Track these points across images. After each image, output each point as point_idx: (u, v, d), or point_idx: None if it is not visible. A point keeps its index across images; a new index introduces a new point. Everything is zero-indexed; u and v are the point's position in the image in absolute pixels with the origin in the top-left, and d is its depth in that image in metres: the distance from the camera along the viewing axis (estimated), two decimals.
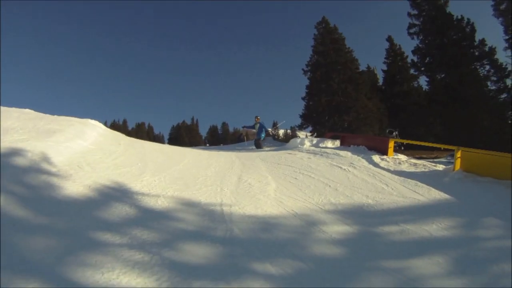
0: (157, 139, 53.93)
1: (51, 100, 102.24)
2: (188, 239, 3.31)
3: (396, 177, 6.61)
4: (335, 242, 3.72)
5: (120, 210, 3.75)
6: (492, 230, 4.19)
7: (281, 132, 43.41)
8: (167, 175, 5.74)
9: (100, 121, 9.08)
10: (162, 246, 3.04)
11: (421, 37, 24.21)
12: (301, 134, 30.87)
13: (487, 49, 20.89)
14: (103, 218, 3.49)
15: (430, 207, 5.09)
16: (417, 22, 24.44)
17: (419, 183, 6.10)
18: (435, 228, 4.18)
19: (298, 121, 27.73)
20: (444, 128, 21.16)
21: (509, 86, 19.66)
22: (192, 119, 68.12)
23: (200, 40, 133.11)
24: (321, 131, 23.70)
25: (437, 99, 21.84)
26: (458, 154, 7.46)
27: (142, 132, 58.41)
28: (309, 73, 27.15)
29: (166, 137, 64.62)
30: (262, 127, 15.18)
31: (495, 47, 20.69)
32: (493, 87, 20.42)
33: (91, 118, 8.65)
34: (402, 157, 8.86)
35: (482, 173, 6.81)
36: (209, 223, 3.84)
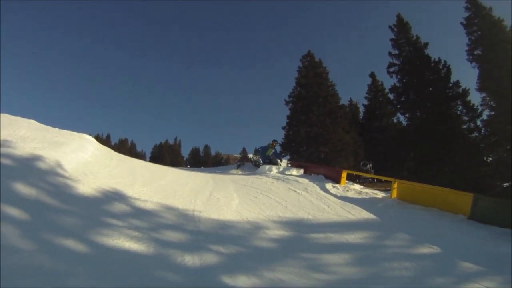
0: (139, 156, 53.60)
1: (37, 109, 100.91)
2: (168, 228, 4.79)
3: (339, 201, 8.14)
4: (272, 240, 5.22)
5: (120, 207, 5.22)
6: (398, 241, 5.67)
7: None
8: (152, 187, 7.17)
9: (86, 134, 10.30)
10: (150, 230, 4.52)
11: (399, 76, 24.91)
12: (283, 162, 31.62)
13: (460, 90, 21.92)
14: (109, 210, 4.95)
15: (356, 223, 6.59)
16: (397, 62, 25.14)
17: (356, 206, 7.63)
18: (352, 237, 5.66)
19: (278, 149, 28.44)
20: (416, 163, 22.18)
21: (480, 126, 20.65)
22: (175, 139, 67.93)
23: (189, 61, 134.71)
24: (298, 160, 24.57)
25: (411, 136, 22.72)
26: (395, 185, 9.05)
27: (125, 148, 58.31)
28: (291, 104, 28.11)
29: (148, 155, 64.87)
30: (275, 154, 16.09)
31: (468, 89, 21.70)
32: (465, 127, 21.31)
33: (75, 130, 9.83)
34: (355, 186, 10.40)
35: (413, 201, 8.35)
36: (183, 221, 5.34)
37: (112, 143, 58.97)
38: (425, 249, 5.23)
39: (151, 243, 4.05)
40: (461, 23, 21.92)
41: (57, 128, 9.52)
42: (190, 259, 3.85)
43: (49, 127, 9.39)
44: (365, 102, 30.00)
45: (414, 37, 24.85)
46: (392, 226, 6.50)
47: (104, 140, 55.03)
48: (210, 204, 6.68)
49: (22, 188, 4.42)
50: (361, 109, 31.72)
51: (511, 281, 4.17)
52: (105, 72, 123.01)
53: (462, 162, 19.14)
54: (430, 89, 22.89)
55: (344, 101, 30.12)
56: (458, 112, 21.87)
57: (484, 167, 18.45)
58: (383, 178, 11.40)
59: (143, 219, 4.93)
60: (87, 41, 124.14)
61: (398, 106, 25.34)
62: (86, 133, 10.05)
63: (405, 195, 8.77)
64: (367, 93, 29.77)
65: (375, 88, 29.37)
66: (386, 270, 4.43)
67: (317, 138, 25.88)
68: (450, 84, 22.55)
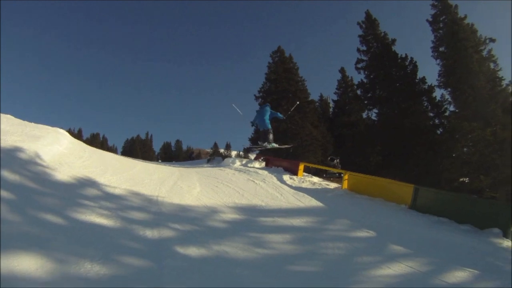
0: (111, 151, 52.90)
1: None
2: (134, 210, 5.68)
3: (292, 190, 9.10)
4: (225, 221, 6.15)
5: (93, 192, 6.06)
6: (339, 226, 6.49)
7: (233, 153, 45.69)
8: (122, 176, 8.00)
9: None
10: (118, 210, 5.39)
11: (367, 72, 25.23)
12: (252, 156, 32.27)
13: (426, 87, 22.53)
14: (83, 194, 5.78)
15: (304, 210, 7.49)
16: (364, 58, 25.44)
17: (306, 195, 8.53)
18: (297, 221, 6.53)
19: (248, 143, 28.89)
20: (383, 158, 22.95)
21: (444, 123, 21.18)
22: (147, 134, 68.32)
23: (162, 57, 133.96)
24: (266, 154, 25.12)
25: (377, 131, 23.51)
26: (346, 177, 10.04)
27: (97, 142, 57.96)
28: (260, 99, 28.47)
29: (120, 150, 64.58)
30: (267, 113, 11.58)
31: (434, 85, 22.17)
32: (430, 123, 21.84)
33: (47, 125, 10.52)
34: (313, 178, 11.37)
35: (361, 191, 9.29)
36: (147, 204, 6.23)
37: (84, 138, 58.46)
38: (362, 233, 5.98)
39: (118, 220, 4.92)
40: (427, 20, 22.44)
41: (33, 123, 10.17)
42: (150, 233, 4.73)
43: (26, 122, 10.05)
44: (335, 97, 30.68)
45: (382, 34, 25.21)
46: (336, 213, 7.34)
47: (75, 135, 54.11)
48: (173, 191, 7.58)
49: (8, 175, 5.14)
50: (331, 104, 32.40)
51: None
52: (76, 68, 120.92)
53: (425, 157, 19.82)
54: (397, 85, 23.41)
55: (316, 96, 30.90)
56: (423, 108, 22.45)
57: (446, 162, 19.02)
58: (336, 171, 12.42)
59: (113, 201, 5.79)
60: (55, 36, 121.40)
61: (365, 102, 25.89)
62: (58, 127, 10.69)
63: (355, 186, 9.72)
64: (336, 89, 30.42)
65: (344, 83, 29.99)
66: (321, 248, 5.17)
67: (285, 133, 26.09)
68: (417, 81, 23.11)
